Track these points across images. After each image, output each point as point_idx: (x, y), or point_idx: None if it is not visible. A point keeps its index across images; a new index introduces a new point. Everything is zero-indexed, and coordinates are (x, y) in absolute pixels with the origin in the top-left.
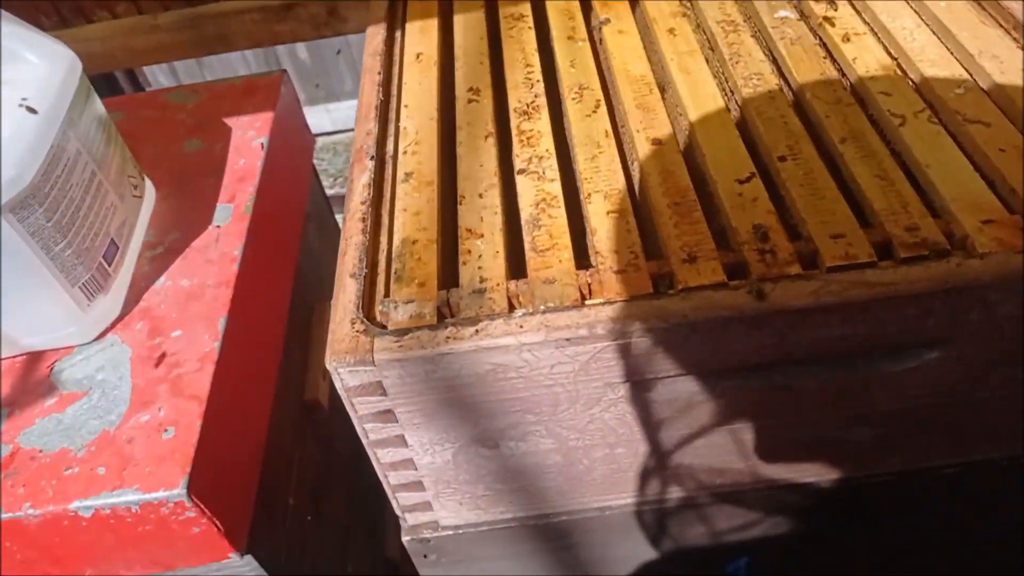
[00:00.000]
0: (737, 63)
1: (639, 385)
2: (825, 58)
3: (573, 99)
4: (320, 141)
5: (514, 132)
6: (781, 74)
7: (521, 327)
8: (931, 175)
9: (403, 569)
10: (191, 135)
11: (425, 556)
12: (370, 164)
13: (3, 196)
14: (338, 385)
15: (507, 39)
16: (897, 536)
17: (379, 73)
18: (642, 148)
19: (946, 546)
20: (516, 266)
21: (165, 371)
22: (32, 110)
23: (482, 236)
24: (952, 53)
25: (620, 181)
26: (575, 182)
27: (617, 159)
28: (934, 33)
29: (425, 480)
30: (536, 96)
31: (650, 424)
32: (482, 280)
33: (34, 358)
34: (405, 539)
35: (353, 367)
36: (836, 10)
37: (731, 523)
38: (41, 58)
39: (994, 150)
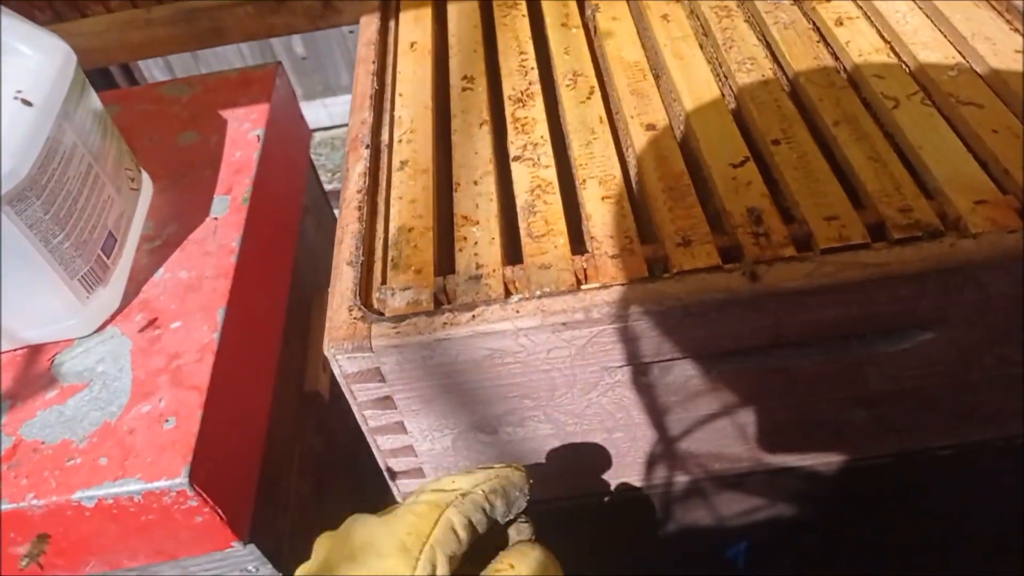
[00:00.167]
0: (731, 48)
1: (636, 369)
2: (818, 42)
3: (567, 86)
4: (317, 136)
5: (509, 119)
6: (775, 58)
7: (517, 312)
8: (924, 157)
9: None
10: (187, 128)
11: None
12: (365, 153)
13: (1, 189)
14: (337, 372)
15: (501, 27)
16: (894, 518)
17: (373, 62)
18: (636, 134)
19: (943, 527)
20: (512, 252)
21: (165, 362)
22: (27, 103)
23: (478, 223)
24: (945, 35)
25: (615, 167)
26: (570, 168)
27: (611, 145)
28: (927, 16)
29: (425, 467)
30: (530, 83)
31: (647, 409)
32: (478, 266)
33: (34, 351)
34: None
35: (351, 354)
36: None
37: (730, 507)
38: (35, 51)
39: (987, 131)
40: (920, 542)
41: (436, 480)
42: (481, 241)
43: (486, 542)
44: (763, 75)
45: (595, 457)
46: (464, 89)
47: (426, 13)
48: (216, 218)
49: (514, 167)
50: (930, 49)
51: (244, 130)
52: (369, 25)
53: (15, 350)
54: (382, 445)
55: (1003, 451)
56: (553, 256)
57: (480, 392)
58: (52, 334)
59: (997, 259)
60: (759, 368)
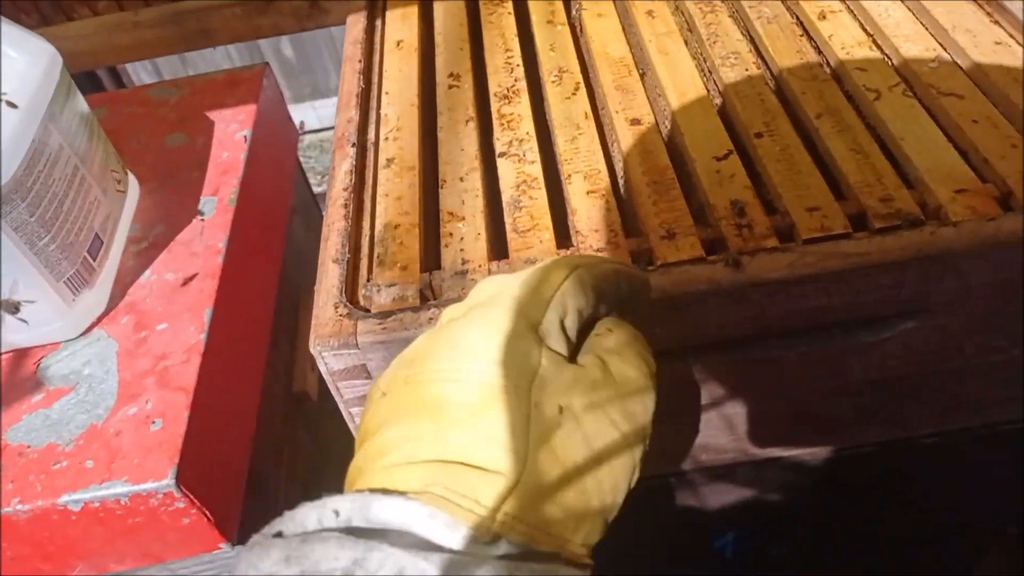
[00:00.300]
0: (715, 43)
1: None
2: (802, 36)
3: (553, 82)
4: (306, 139)
5: (495, 116)
6: (758, 53)
7: None
8: (905, 147)
9: None
10: (174, 129)
11: None
12: (351, 151)
13: None
14: (323, 370)
15: (487, 25)
16: (881, 508)
17: (360, 61)
18: (621, 129)
19: (929, 516)
20: (498, 248)
21: (152, 363)
22: (13, 105)
23: (464, 219)
24: (926, 28)
25: (600, 162)
26: (555, 164)
27: (597, 140)
28: (909, 9)
29: None
30: (516, 80)
31: None
32: (464, 262)
33: (20, 354)
34: None
35: (337, 351)
36: None
37: (717, 499)
38: (21, 53)
39: (967, 121)
40: (907, 531)
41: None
42: (467, 237)
43: None
44: (747, 69)
45: None
46: (450, 86)
47: (412, 11)
48: (203, 219)
49: (500, 163)
50: (912, 42)
51: (231, 131)
52: (356, 24)
53: (1, 354)
54: None
55: (987, 439)
56: (539, 251)
57: None
58: (38, 337)
59: (976, 247)
60: (744, 359)
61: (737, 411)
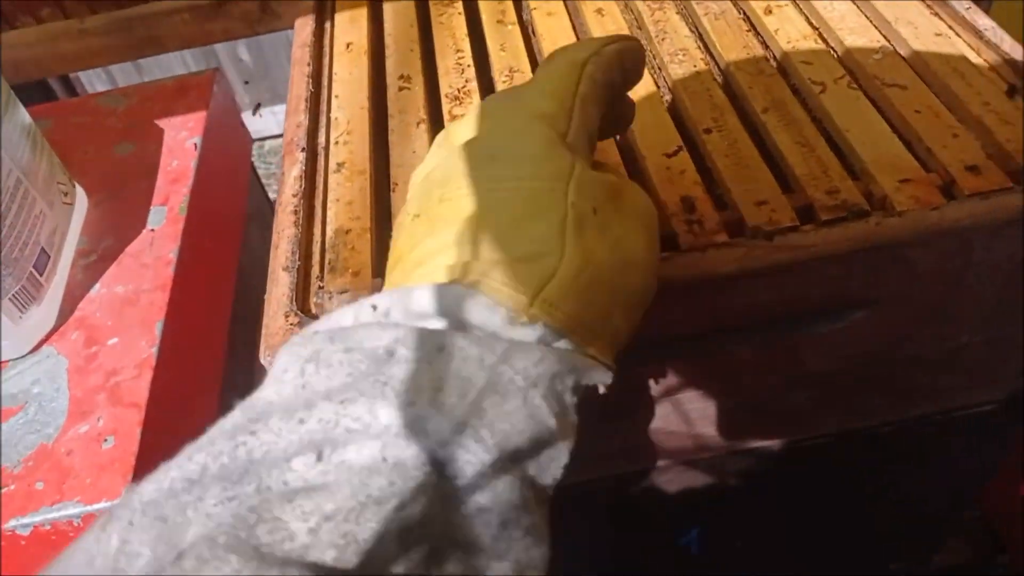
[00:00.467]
0: (663, 40)
1: None
2: (748, 31)
3: (504, 82)
4: (267, 144)
5: (446, 118)
6: (706, 48)
7: None
8: (850, 139)
9: None
10: (122, 139)
11: None
12: (301, 156)
13: None
14: None
15: (437, 26)
16: (840, 497)
17: (308, 64)
18: None
19: (886, 504)
20: None
21: (103, 379)
22: None
23: None
24: (870, 20)
25: None
26: None
27: None
28: (853, 2)
29: None
30: (467, 81)
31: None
32: None
33: None
34: None
35: None
36: None
37: (678, 495)
38: None
39: (910, 112)
40: (868, 519)
41: (562, 48)
42: None
43: None
44: (695, 66)
45: None
46: (401, 88)
47: (361, 13)
48: (153, 230)
49: None
50: (856, 34)
51: (181, 139)
52: (304, 27)
53: None
54: None
55: (942, 425)
56: None
57: None
58: None
59: (922, 236)
60: (697, 354)
61: (694, 406)
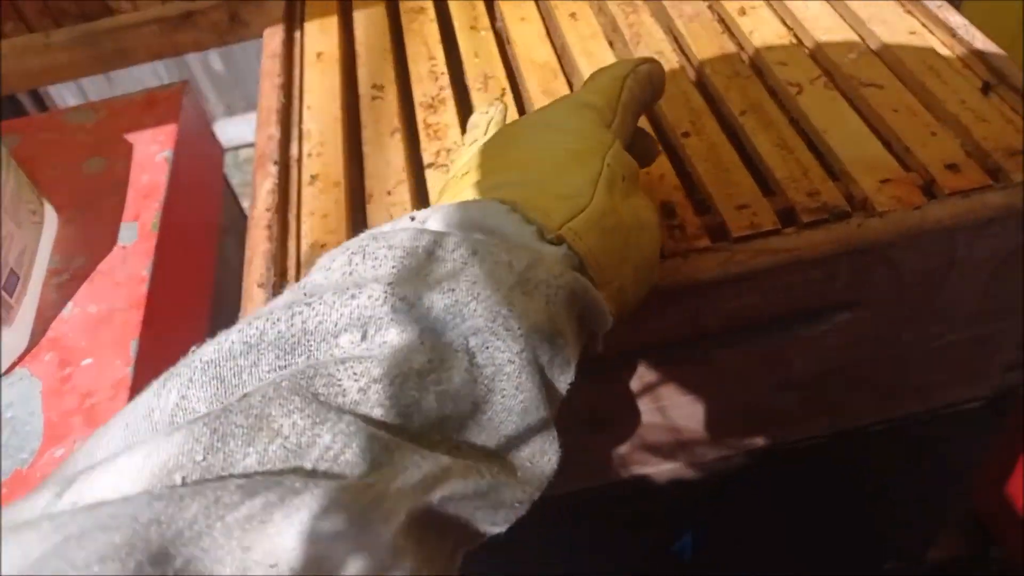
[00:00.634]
0: (638, 43)
1: None
2: (723, 32)
3: (478, 89)
4: (242, 153)
5: (421, 126)
6: (682, 51)
7: None
8: (829, 140)
9: None
10: (92, 154)
11: None
12: (273, 169)
13: None
14: None
15: (409, 33)
16: (832, 497)
17: (279, 75)
18: None
19: (879, 502)
20: None
21: (78, 401)
22: None
23: None
24: (844, 20)
25: None
26: None
27: None
28: (827, 1)
29: None
30: (441, 89)
31: (574, 410)
32: None
33: None
34: None
35: None
36: None
37: (669, 502)
38: None
39: (888, 111)
40: (861, 519)
41: (604, 67)
42: None
43: None
44: (671, 69)
45: None
46: (374, 98)
47: (332, 22)
48: (125, 247)
49: (428, 175)
50: (831, 34)
51: (151, 153)
52: (273, 37)
53: None
54: None
55: (931, 423)
56: None
57: None
58: None
59: (904, 236)
60: (683, 360)
61: (681, 412)
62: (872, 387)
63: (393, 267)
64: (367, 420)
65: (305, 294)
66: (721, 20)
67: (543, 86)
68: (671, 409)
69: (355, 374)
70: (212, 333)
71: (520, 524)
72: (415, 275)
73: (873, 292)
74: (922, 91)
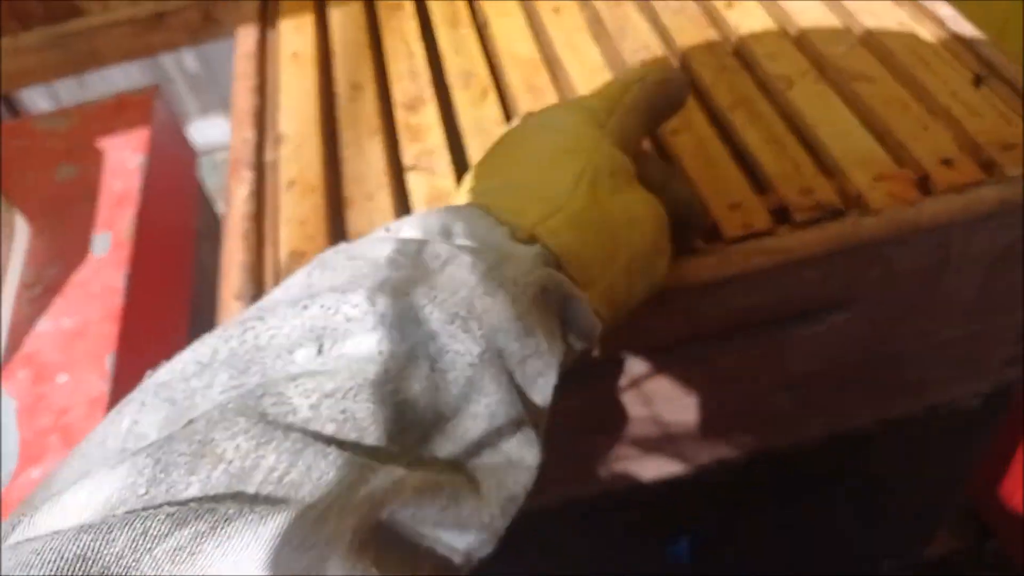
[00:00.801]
0: (624, 37)
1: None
2: (710, 26)
3: (460, 88)
4: (220, 155)
5: (401, 127)
6: (668, 45)
7: None
8: (821, 135)
9: None
10: (64, 162)
11: None
12: (248, 175)
13: None
14: None
15: (387, 30)
16: (830, 497)
17: (253, 77)
18: None
19: (877, 501)
20: None
21: (53, 420)
22: None
23: None
24: (832, 12)
25: None
26: None
27: None
28: None
29: None
30: (421, 87)
31: (569, 416)
32: None
33: None
34: None
35: None
36: None
37: (667, 505)
38: None
39: (879, 104)
40: (860, 518)
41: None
42: None
43: None
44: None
45: None
46: (352, 98)
47: (307, 20)
48: (99, 257)
49: (409, 178)
50: (819, 26)
51: (124, 159)
52: (246, 36)
53: None
54: None
55: (928, 420)
56: None
57: None
58: None
59: (899, 234)
60: (678, 362)
61: (677, 415)
62: (868, 386)
63: (351, 277)
64: (318, 437)
65: (260, 309)
66: (707, 13)
67: (526, 82)
68: (666, 412)
69: (306, 390)
70: (190, 344)
71: (516, 530)
72: (373, 283)
73: (869, 290)
74: (913, 83)
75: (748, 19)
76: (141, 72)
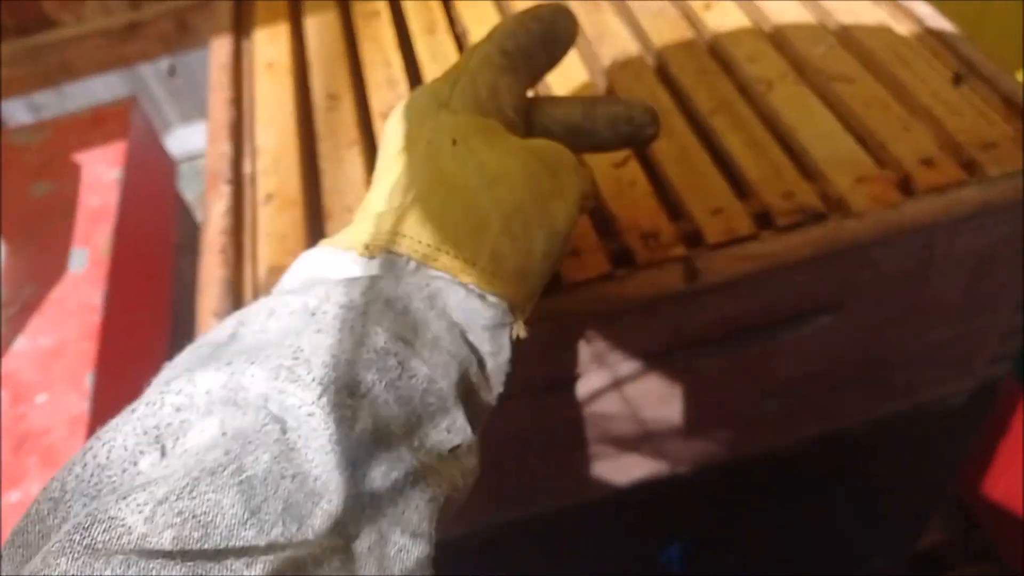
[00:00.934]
0: (603, 43)
1: (537, 387)
2: (689, 29)
3: None
4: (202, 162)
5: (379, 138)
6: (647, 49)
7: None
8: (801, 138)
9: None
10: (39, 177)
11: None
12: (226, 189)
13: None
14: None
15: (364, 38)
16: (821, 499)
17: (228, 89)
18: None
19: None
20: None
21: (33, 441)
22: None
23: None
24: (811, 13)
25: None
26: None
27: None
28: None
29: None
30: (399, 96)
31: (557, 425)
32: None
33: None
34: None
35: None
36: None
37: (657, 513)
38: None
39: (860, 105)
40: (851, 517)
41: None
42: None
43: None
44: (637, 68)
45: (512, 480)
46: (329, 109)
47: (282, 30)
48: (76, 273)
49: None
50: (798, 27)
51: (101, 173)
52: (221, 47)
53: None
54: None
55: (916, 420)
56: None
57: None
58: None
59: (882, 236)
60: (665, 371)
61: (666, 423)
62: (857, 388)
63: (186, 363)
64: (152, 554)
65: (98, 432)
66: (686, 16)
67: None
68: (655, 420)
69: (138, 504)
70: (171, 359)
71: (506, 541)
72: (190, 363)
73: (854, 293)
74: (893, 83)
75: (726, 21)
76: (121, 80)
